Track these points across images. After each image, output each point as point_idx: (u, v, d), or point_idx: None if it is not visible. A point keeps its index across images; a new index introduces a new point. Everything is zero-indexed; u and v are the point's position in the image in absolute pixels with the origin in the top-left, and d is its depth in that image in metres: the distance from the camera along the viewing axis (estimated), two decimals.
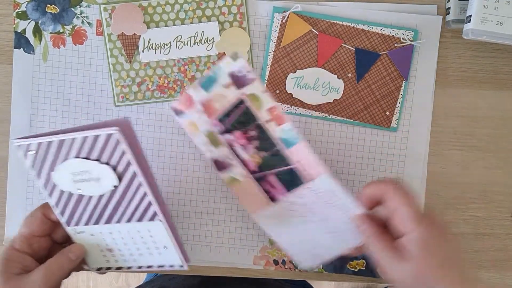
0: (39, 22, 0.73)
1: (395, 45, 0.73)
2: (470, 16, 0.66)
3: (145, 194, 0.60)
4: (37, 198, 0.76)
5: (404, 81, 0.73)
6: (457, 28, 0.72)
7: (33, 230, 0.61)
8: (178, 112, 0.62)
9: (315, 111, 0.74)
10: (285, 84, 0.74)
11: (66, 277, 0.61)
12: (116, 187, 0.59)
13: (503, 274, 0.77)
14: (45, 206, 0.62)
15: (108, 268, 0.66)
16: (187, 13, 0.72)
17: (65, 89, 0.75)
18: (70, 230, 0.63)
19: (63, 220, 0.62)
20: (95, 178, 0.59)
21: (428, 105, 0.74)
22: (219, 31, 0.73)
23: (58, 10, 0.73)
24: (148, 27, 0.72)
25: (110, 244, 0.63)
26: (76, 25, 0.74)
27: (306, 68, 0.73)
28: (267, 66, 0.73)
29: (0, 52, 0.75)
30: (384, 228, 0.57)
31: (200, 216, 0.76)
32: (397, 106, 0.74)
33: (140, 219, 0.61)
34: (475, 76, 0.75)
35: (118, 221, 0.62)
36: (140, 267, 0.65)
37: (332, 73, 0.73)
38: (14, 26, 0.74)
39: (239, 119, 0.62)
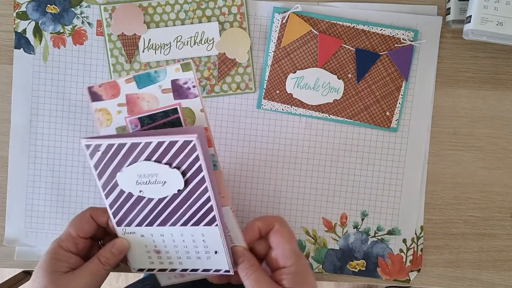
0: (39, 22, 0.74)
1: (395, 45, 0.73)
2: (470, 16, 0.66)
3: (208, 199, 0.59)
4: (37, 198, 0.76)
5: (404, 82, 0.73)
6: (457, 28, 0.72)
7: (79, 232, 0.61)
8: (94, 96, 0.59)
9: (315, 111, 0.74)
10: (285, 84, 0.74)
11: (109, 274, 0.61)
12: (179, 191, 0.58)
13: (504, 275, 0.77)
14: (94, 209, 0.63)
15: (150, 270, 0.65)
16: (187, 14, 0.72)
17: (65, 89, 0.75)
18: (119, 230, 0.62)
19: (114, 220, 0.61)
20: (161, 181, 0.58)
21: (428, 105, 0.75)
22: (219, 31, 0.73)
23: (58, 10, 0.73)
24: (148, 27, 0.72)
25: (158, 246, 0.62)
26: (76, 25, 0.74)
27: (306, 68, 0.73)
28: (267, 66, 0.73)
29: (0, 52, 0.75)
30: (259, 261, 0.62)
31: None
32: (397, 106, 0.74)
33: (196, 224, 0.60)
34: (475, 76, 0.75)
35: (173, 225, 0.61)
36: (184, 270, 0.64)
37: (332, 73, 0.73)
38: (14, 26, 0.74)
39: (165, 127, 0.60)
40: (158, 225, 0.61)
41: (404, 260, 0.76)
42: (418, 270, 0.77)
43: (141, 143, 0.57)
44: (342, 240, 0.77)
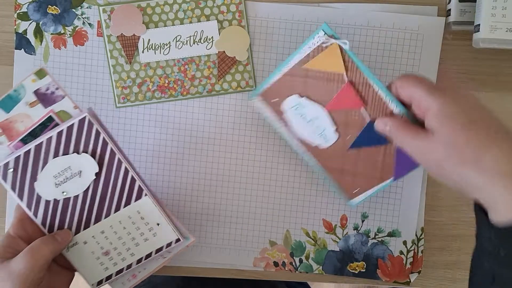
0: (40, 23, 0.74)
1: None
2: (479, 25, 0.66)
3: (126, 171, 0.60)
4: None
5: (390, 179, 0.69)
6: (458, 30, 0.72)
7: (23, 211, 0.61)
8: None
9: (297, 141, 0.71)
10: (284, 99, 0.69)
11: (50, 259, 0.59)
12: (97, 174, 0.60)
13: None
14: None
15: (109, 278, 0.65)
16: (186, 13, 0.72)
17: (66, 90, 0.74)
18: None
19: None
20: (77, 172, 0.60)
21: None
22: (218, 30, 0.73)
23: (59, 11, 0.73)
24: (147, 28, 0.72)
25: (105, 246, 0.63)
26: (77, 26, 0.74)
27: (313, 101, 0.67)
28: (280, 72, 0.68)
29: (2, 53, 0.75)
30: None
31: (201, 217, 0.76)
32: (366, 193, 0.72)
33: (127, 202, 0.62)
34: (476, 78, 0.74)
35: (108, 215, 0.62)
36: (139, 260, 0.64)
37: (333, 123, 0.68)
38: (15, 27, 0.74)
39: (43, 132, 0.60)
40: (95, 223, 0.62)
41: (404, 262, 0.76)
42: (419, 272, 0.76)
43: (42, 142, 0.59)
44: (342, 242, 0.76)
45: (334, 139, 0.68)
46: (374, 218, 0.76)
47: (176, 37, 0.73)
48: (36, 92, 0.59)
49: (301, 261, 0.77)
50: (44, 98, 0.59)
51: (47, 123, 0.60)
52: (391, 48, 0.73)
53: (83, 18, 0.74)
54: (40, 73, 0.59)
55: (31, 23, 0.74)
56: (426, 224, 0.76)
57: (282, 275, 0.77)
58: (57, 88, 0.60)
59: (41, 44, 0.74)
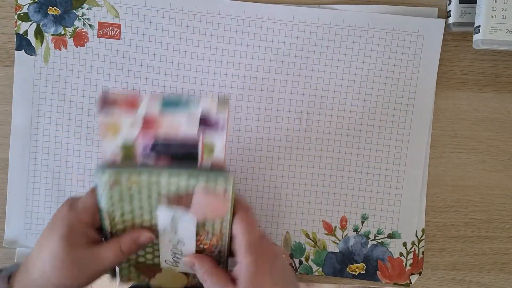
0: (41, 24, 0.74)
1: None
2: (479, 26, 0.66)
3: None
4: (37, 199, 0.76)
5: None
6: (458, 31, 0.72)
7: (96, 200, 0.56)
8: (105, 104, 0.54)
9: None
10: None
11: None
12: None
13: (505, 278, 0.76)
14: None
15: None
16: None
17: (66, 91, 0.75)
18: None
19: None
20: None
21: (429, 107, 0.74)
22: None
23: (60, 12, 0.73)
24: None
25: None
26: (77, 27, 0.74)
27: None
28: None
29: (2, 54, 0.75)
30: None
31: None
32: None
33: None
34: (476, 79, 0.74)
35: None
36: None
37: None
38: (15, 28, 0.74)
39: (179, 150, 0.55)
40: None
41: (404, 263, 0.76)
42: (419, 273, 0.76)
43: None
44: (342, 243, 0.76)
45: None
46: (374, 220, 0.76)
47: None
48: (203, 112, 0.54)
49: (300, 262, 0.77)
50: (205, 123, 0.54)
51: (188, 146, 0.55)
52: (391, 50, 0.73)
53: (83, 19, 0.74)
54: (223, 103, 0.53)
55: (31, 24, 0.74)
56: (426, 225, 0.76)
57: None
58: (224, 122, 0.54)
59: (41, 45, 0.74)
